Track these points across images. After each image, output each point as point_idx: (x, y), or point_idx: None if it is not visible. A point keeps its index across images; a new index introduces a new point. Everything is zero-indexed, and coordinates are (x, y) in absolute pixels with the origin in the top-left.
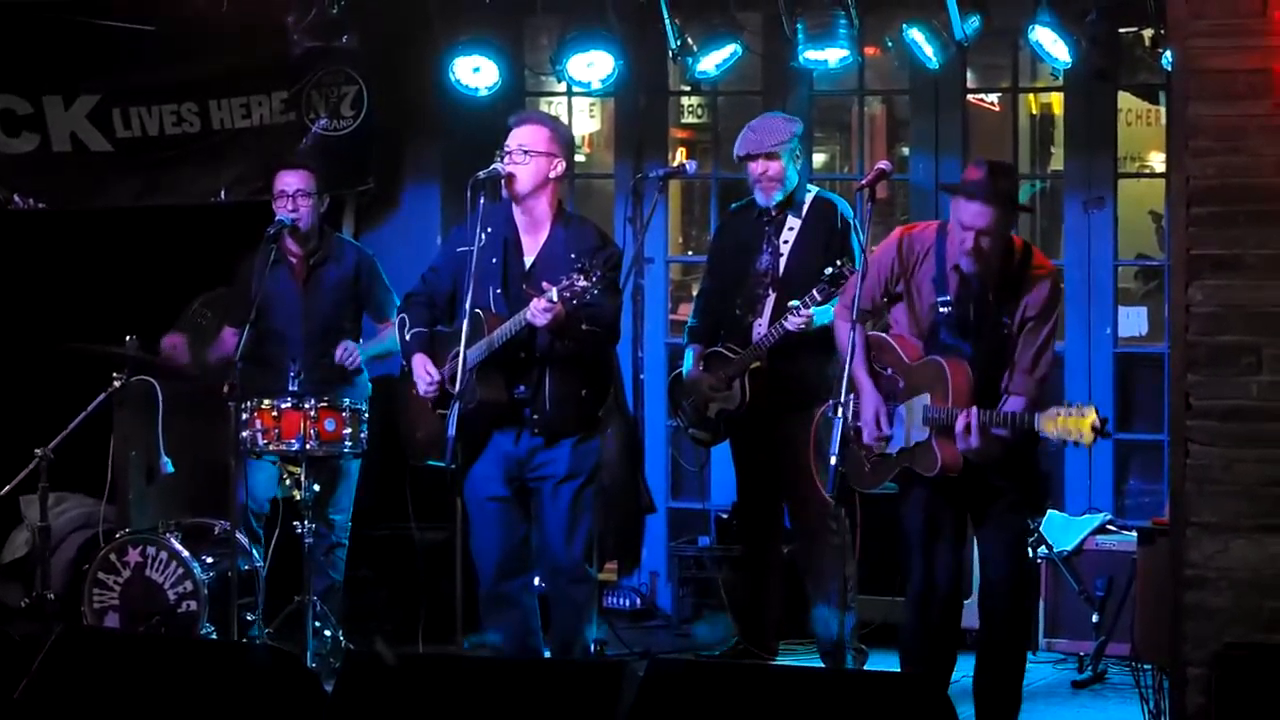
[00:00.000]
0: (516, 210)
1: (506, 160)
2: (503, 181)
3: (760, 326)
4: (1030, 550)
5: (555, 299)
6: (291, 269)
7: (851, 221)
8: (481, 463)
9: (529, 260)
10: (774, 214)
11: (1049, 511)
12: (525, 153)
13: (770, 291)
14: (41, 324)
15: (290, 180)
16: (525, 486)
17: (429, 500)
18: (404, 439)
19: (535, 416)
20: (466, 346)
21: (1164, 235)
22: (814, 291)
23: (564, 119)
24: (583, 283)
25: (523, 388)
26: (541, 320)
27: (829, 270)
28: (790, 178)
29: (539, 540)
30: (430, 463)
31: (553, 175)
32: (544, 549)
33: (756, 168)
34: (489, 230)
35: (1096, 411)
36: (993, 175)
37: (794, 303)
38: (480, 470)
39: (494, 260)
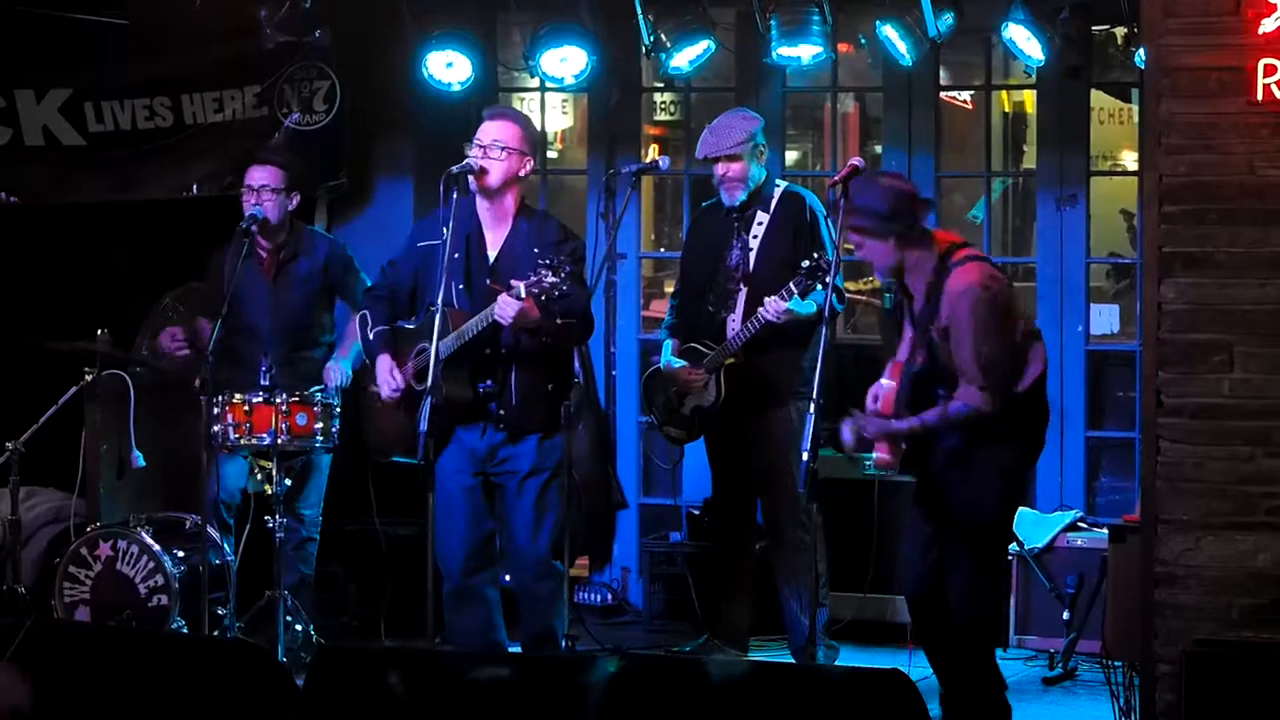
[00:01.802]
0: (481, 205)
1: (481, 154)
2: (473, 175)
3: (734, 323)
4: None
5: (524, 295)
6: (261, 263)
7: (820, 214)
8: (446, 457)
9: (492, 255)
10: (742, 210)
11: (1020, 509)
12: (501, 149)
13: (741, 287)
14: (13, 318)
15: (257, 176)
16: (490, 481)
17: (398, 496)
18: (366, 436)
19: (502, 412)
20: (436, 342)
21: (1136, 233)
22: (790, 285)
23: (537, 115)
24: (551, 278)
25: (489, 383)
26: (508, 317)
27: (806, 263)
28: (753, 176)
29: (505, 536)
30: (396, 459)
31: (522, 173)
32: (510, 544)
33: (718, 169)
34: (450, 226)
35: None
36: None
37: (770, 299)
38: (445, 465)
39: (456, 255)
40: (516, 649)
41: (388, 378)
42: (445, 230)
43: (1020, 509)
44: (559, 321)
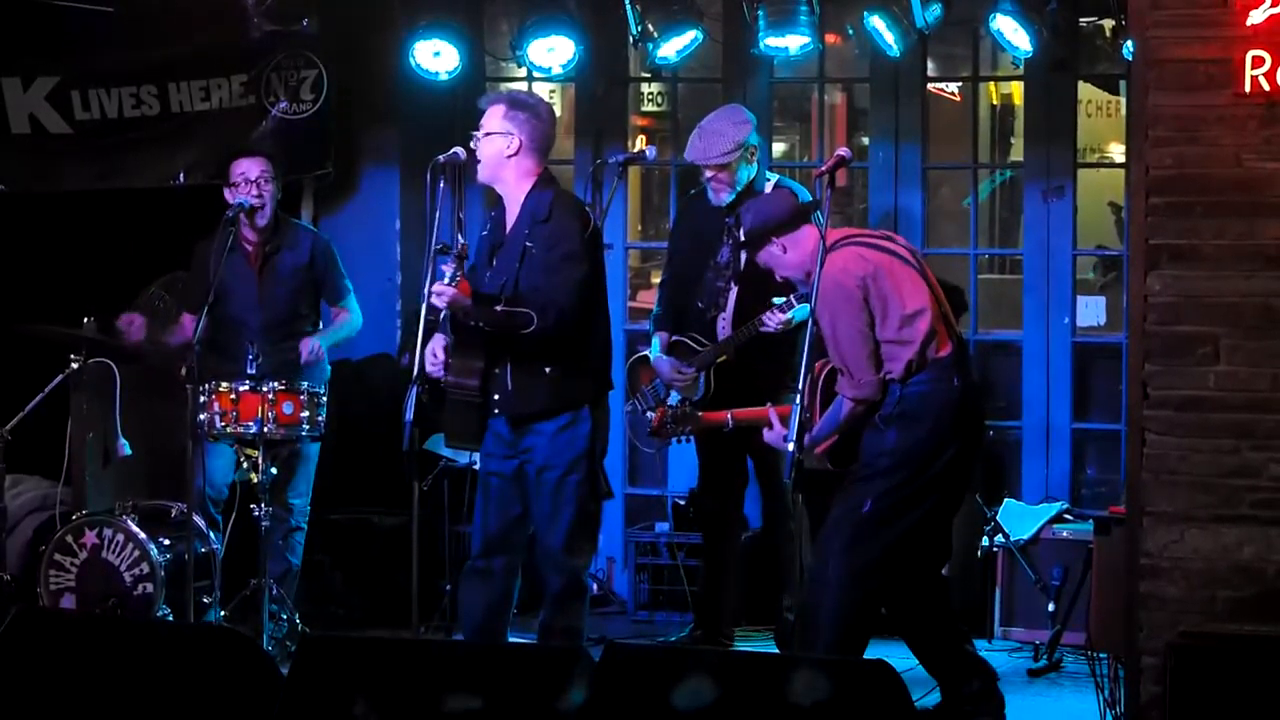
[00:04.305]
0: (500, 189)
1: (475, 145)
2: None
3: (724, 321)
4: (988, 538)
5: (448, 281)
6: (247, 256)
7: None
8: (486, 440)
9: (505, 244)
10: (733, 206)
11: (1006, 500)
12: (482, 135)
13: (732, 286)
14: None
15: (251, 166)
16: (522, 468)
17: (387, 486)
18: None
19: (497, 398)
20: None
21: (1123, 226)
22: (791, 296)
23: None
24: (451, 265)
25: (496, 370)
26: (441, 303)
27: None
28: (741, 178)
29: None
30: (452, 448)
31: (509, 152)
32: (535, 534)
33: (706, 171)
34: (493, 214)
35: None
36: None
37: (779, 300)
38: (485, 448)
39: (486, 243)
40: (520, 638)
41: (431, 356)
42: (436, 217)
43: (1007, 500)
44: (499, 309)
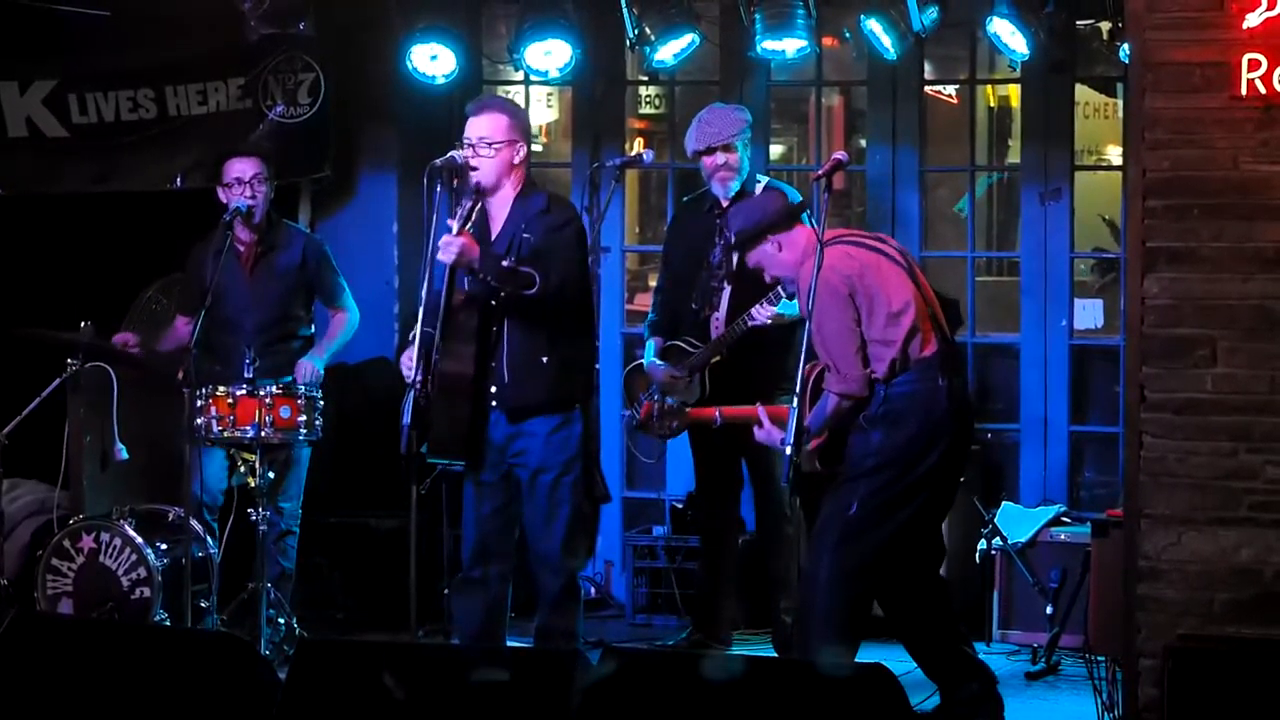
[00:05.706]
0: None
1: (470, 154)
2: (468, 173)
3: (717, 321)
4: (985, 541)
5: (455, 231)
6: (239, 257)
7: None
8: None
9: (494, 241)
10: (726, 206)
11: (1004, 503)
12: (489, 145)
13: (725, 285)
14: None
15: (245, 167)
16: (511, 473)
17: (385, 489)
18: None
19: (494, 389)
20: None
21: (1118, 233)
22: (779, 288)
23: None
24: (467, 208)
25: (493, 364)
26: (450, 254)
27: None
28: (744, 167)
29: (524, 528)
30: (437, 459)
31: (516, 161)
32: (526, 538)
33: (714, 160)
34: (436, 217)
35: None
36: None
37: (758, 305)
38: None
39: None
40: (515, 641)
41: (404, 364)
42: (434, 219)
43: (1005, 503)
44: (504, 265)
